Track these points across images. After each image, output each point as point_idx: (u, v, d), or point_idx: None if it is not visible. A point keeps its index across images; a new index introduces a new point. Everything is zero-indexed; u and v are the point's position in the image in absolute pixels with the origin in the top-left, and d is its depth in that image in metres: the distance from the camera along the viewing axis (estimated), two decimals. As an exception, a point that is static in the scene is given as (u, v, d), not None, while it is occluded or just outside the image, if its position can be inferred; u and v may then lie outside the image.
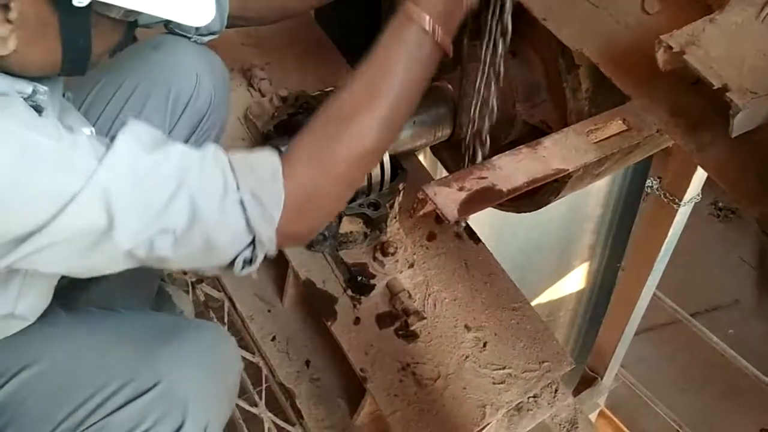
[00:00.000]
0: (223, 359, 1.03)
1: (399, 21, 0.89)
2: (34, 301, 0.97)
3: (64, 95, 0.98)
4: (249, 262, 0.85)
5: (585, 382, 3.25)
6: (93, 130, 0.99)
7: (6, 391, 0.96)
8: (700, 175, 2.32)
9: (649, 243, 2.65)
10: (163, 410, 0.94)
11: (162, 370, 0.94)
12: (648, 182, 2.49)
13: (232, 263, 0.85)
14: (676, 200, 2.46)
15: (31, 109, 0.78)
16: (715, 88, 0.81)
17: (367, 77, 0.89)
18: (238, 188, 0.80)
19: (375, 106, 0.86)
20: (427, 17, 0.88)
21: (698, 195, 2.47)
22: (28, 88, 0.80)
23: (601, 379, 3.25)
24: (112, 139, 0.76)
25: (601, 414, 3.41)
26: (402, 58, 0.88)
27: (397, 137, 1.28)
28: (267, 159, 0.84)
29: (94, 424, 0.95)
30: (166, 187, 0.76)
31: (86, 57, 0.81)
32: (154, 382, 0.93)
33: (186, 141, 1.15)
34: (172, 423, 0.94)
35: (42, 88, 0.82)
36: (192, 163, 0.79)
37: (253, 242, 0.83)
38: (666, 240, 2.58)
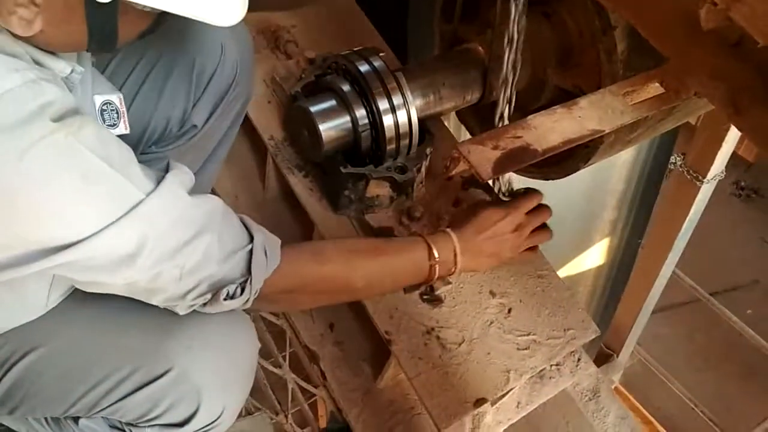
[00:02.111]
0: (238, 343, 1.04)
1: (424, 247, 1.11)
2: (63, 293, 0.99)
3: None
4: (231, 296, 0.91)
5: (601, 358, 3.26)
6: (121, 96, 1.00)
7: (19, 368, 0.97)
8: (724, 153, 2.30)
9: (670, 220, 2.64)
10: (176, 396, 0.96)
11: (173, 356, 0.95)
12: (672, 158, 2.47)
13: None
14: (699, 177, 2.44)
15: (101, 127, 0.84)
16: (760, 45, 0.79)
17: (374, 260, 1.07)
18: (251, 240, 0.91)
19: (366, 288, 1.09)
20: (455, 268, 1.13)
21: (722, 172, 2.45)
22: (67, 68, 0.84)
23: (617, 356, 3.25)
24: (159, 178, 0.84)
25: (616, 391, 3.42)
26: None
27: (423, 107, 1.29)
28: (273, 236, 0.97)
29: (108, 406, 0.98)
30: (192, 227, 0.84)
31: (113, 41, 0.82)
32: (166, 368, 0.95)
33: (212, 112, 1.13)
34: (186, 409, 0.96)
35: (79, 68, 0.86)
36: (218, 211, 0.89)
37: (243, 284, 0.91)
38: (687, 218, 2.57)
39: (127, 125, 1.01)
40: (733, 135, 2.20)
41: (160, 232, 0.81)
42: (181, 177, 0.86)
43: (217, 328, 1.00)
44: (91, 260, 0.78)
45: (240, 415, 1.27)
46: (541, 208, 1.23)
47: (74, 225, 0.76)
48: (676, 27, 0.96)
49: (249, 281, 0.90)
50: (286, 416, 1.60)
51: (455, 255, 1.12)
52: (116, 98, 0.99)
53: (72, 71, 0.85)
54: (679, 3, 0.96)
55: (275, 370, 1.46)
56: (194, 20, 1.06)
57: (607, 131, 0.95)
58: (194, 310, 0.92)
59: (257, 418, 1.60)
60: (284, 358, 1.49)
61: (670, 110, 1.07)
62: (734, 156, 2.35)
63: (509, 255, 1.21)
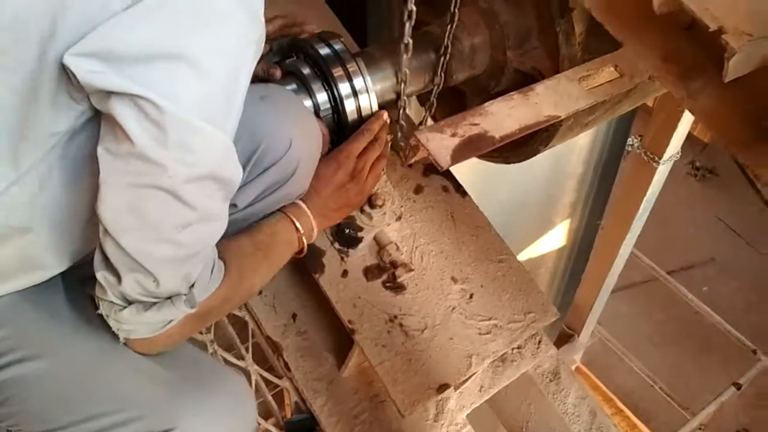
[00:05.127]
0: (240, 414, 1.01)
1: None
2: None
3: None
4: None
5: (562, 338, 3.33)
6: None
7: (11, 372, 0.90)
8: (680, 134, 2.35)
9: (628, 201, 2.69)
10: None
11: (179, 416, 0.91)
12: (629, 140, 2.51)
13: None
14: (656, 158, 2.49)
15: None
16: (710, 30, 0.80)
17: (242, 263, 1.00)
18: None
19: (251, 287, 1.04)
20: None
21: (678, 153, 2.50)
22: None
23: (578, 336, 3.32)
24: None
25: (577, 370, 3.49)
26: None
27: (383, 91, 1.27)
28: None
29: None
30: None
31: None
32: (169, 427, 0.90)
33: (257, 199, 1.07)
34: None
35: None
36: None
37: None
38: (645, 198, 2.62)
39: None
40: (689, 117, 2.25)
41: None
42: None
43: (226, 399, 0.97)
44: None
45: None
46: (371, 144, 1.19)
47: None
48: (629, 11, 0.96)
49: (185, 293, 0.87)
50: (250, 407, 1.59)
51: (311, 221, 1.12)
52: None
53: None
54: (632, -13, 0.97)
55: (238, 363, 1.45)
56: (272, 108, 1.03)
57: (563, 117, 0.95)
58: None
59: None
60: (247, 349, 1.48)
61: (626, 93, 1.08)
62: (690, 137, 2.40)
63: (358, 199, 1.21)
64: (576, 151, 2.43)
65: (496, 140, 0.91)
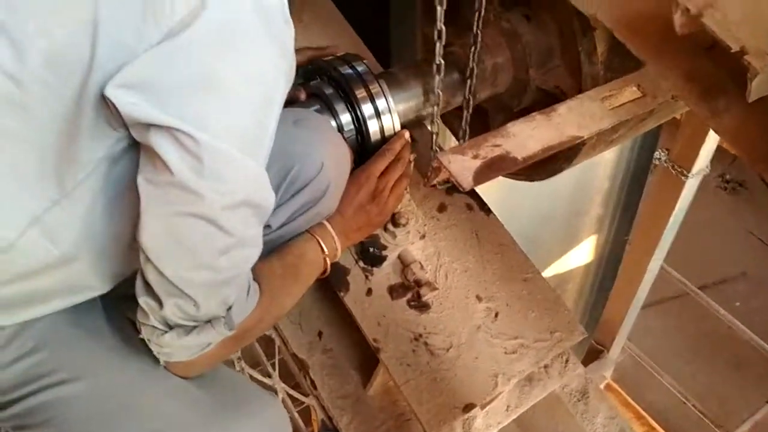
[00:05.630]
0: None
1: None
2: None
3: None
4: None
5: (592, 354, 3.28)
6: None
7: (52, 393, 0.90)
8: (708, 147, 2.32)
9: (656, 215, 2.65)
10: None
11: None
12: (656, 154, 2.48)
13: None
14: (684, 172, 2.46)
15: None
16: (732, 51, 0.80)
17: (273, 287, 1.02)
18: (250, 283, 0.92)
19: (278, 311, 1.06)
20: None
21: (707, 167, 2.46)
22: None
23: (608, 351, 3.27)
24: None
25: (608, 387, 3.44)
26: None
27: (406, 111, 1.29)
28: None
29: None
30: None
31: None
32: None
33: (290, 220, 1.10)
34: None
35: None
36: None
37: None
38: (674, 212, 2.58)
39: None
40: (717, 130, 2.21)
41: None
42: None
43: (263, 424, 0.98)
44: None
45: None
46: (393, 164, 1.22)
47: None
48: (651, 30, 0.96)
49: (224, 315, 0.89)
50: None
51: (335, 241, 1.14)
52: None
53: None
54: (653, 7, 0.97)
55: (265, 380, 1.46)
56: (304, 132, 1.06)
57: (585, 137, 0.95)
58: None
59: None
60: (273, 366, 1.49)
61: (650, 112, 1.08)
62: (719, 149, 2.36)
63: (379, 219, 1.23)
64: (602, 165, 2.41)
65: (519, 161, 0.91)
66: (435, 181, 1.18)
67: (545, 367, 1.35)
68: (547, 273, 2.55)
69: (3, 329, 0.88)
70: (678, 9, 0.83)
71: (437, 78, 1.15)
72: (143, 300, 0.84)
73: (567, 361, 1.36)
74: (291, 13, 0.81)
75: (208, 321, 0.86)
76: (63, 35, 0.72)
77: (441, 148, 1.29)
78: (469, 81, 1.26)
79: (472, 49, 1.23)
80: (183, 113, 0.72)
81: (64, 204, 0.80)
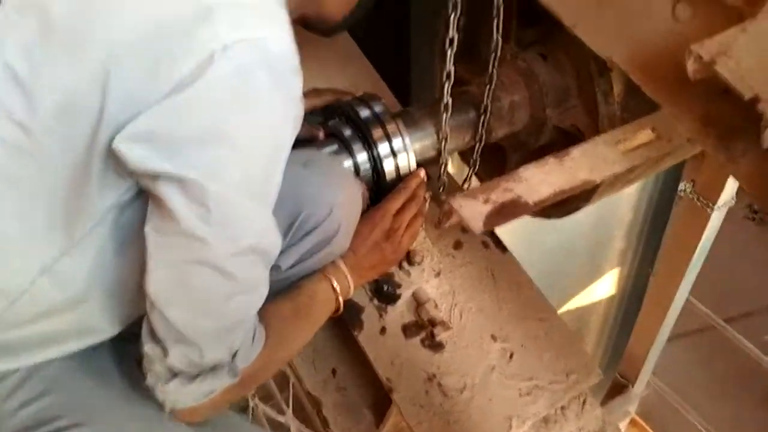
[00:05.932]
0: None
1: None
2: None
3: None
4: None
5: (616, 388, 3.21)
6: None
7: None
8: (734, 180, 2.28)
9: (681, 248, 2.61)
10: None
11: None
12: (680, 186, 2.45)
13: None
14: (710, 204, 2.42)
15: None
16: (746, 99, 0.78)
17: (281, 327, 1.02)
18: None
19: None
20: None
21: (732, 199, 2.42)
22: None
23: (633, 386, 3.20)
24: None
25: (633, 422, 3.37)
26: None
27: (423, 150, 1.29)
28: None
29: None
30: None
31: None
32: None
33: (300, 261, 1.09)
34: None
35: None
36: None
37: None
38: (699, 245, 2.54)
39: None
40: (741, 163, 2.18)
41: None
42: None
43: None
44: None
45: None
46: (408, 202, 1.21)
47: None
48: (666, 74, 0.95)
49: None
50: (291, 460, 1.59)
51: (347, 279, 1.13)
52: None
53: None
54: (668, 51, 0.96)
55: (278, 418, 1.45)
56: (313, 175, 1.06)
57: (598, 181, 0.94)
58: None
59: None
60: (286, 402, 1.48)
61: (665, 155, 1.06)
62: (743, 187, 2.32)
63: (393, 258, 1.22)
64: (624, 197, 2.38)
65: (530, 206, 0.90)
66: (446, 225, 1.17)
67: (562, 408, 1.33)
68: (570, 306, 2.52)
69: (16, 372, 0.89)
70: (691, 56, 0.82)
71: (444, 116, 1.17)
72: (149, 347, 0.84)
73: (584, 402, 1.34)
74: (301, 56, 0.82)
75: (212, 368, 0.86)
76: (75, 86, 0.73)
77: (445, 186, 1.31)
78: (483, 116, 1.26)
79: (487, 87, 1.23)
80: (192, 164, 0.73)
81: (74, 253, 0.81)
